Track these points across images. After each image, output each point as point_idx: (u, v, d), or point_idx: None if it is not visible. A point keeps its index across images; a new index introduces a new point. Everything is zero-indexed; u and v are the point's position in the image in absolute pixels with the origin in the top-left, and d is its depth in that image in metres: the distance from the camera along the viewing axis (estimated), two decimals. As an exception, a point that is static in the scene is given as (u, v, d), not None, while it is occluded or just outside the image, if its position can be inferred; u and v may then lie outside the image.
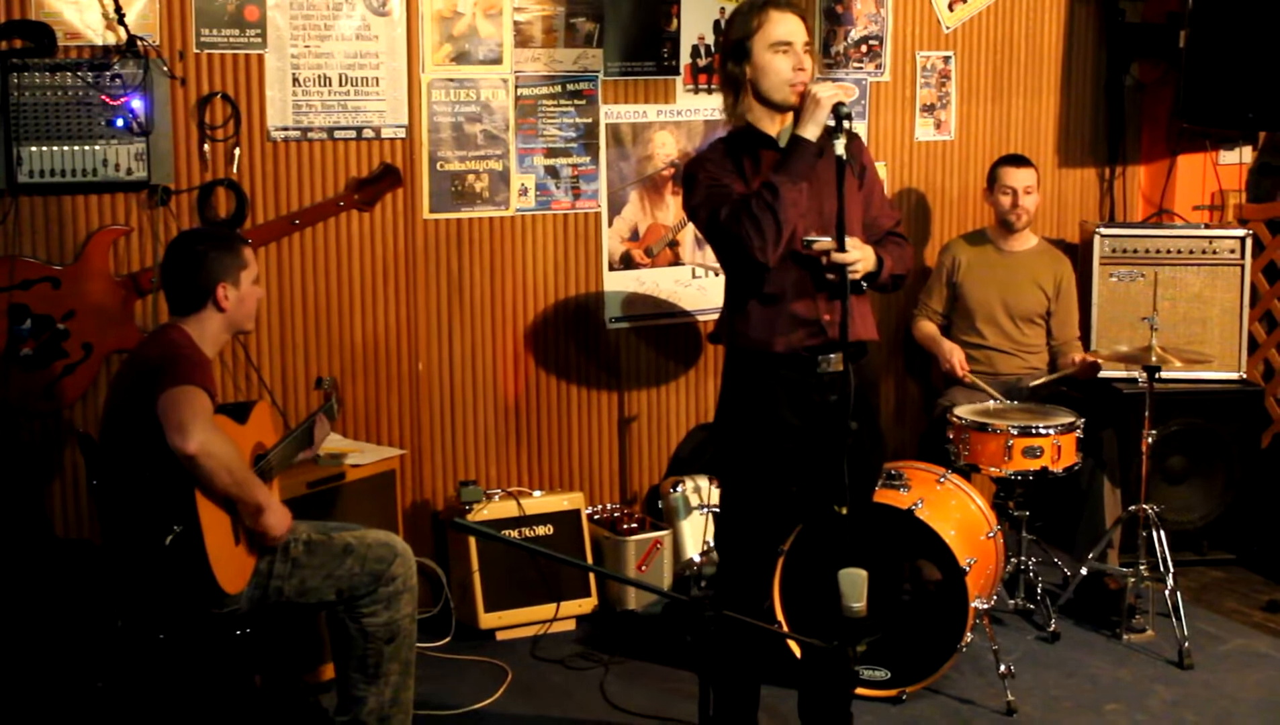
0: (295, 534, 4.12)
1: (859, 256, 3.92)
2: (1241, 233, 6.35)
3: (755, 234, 3.91)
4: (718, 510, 5.59)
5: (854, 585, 3.50)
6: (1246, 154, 7.10)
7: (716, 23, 5.98)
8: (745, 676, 4.37)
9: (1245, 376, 6.34)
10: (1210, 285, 6.33)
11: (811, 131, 3.91)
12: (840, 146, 3.75)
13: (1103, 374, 5.92)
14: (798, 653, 4.77)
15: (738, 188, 4.01)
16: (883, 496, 4.83)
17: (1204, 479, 6.23)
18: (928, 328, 6.11)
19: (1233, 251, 6.32)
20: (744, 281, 4.13)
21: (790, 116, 4.02)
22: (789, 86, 3.97)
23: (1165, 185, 7.01)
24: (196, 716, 4.22)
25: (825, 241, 3.91)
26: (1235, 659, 5.34)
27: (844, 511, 3.78)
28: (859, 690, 4.73)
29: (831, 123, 3.83)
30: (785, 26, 4.00)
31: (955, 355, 5.89)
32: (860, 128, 6.20)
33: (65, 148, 4.86)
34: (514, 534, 5.43)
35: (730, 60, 4.08)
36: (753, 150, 4.07)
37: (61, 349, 4.95)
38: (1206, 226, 6.61)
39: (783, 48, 3.98)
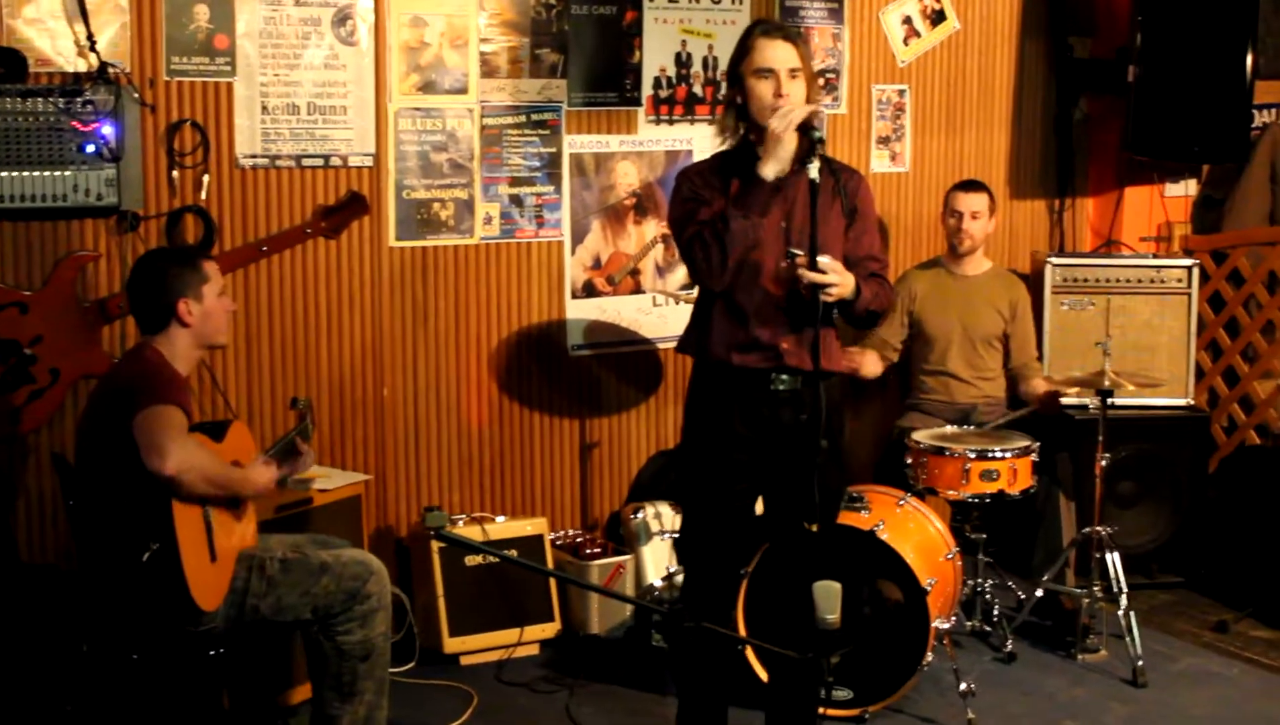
0: (270, 552, 4.15)
1: (836, 279, 3.98)
2: (1188, 263, 6.47)
3: (704, 261, 4.04)
4: (677, 536, 5.68)
5: (828, 598, 3.56)
6: (1191, 186, 7.24)
7: (678, 55, 6.07)
8: (714, 697, 4.41)
9: (1193, 403, 6.45)
10: (1159, 314, 6.43)
11: (770, 169, 4.00)
12: (814, 170, 3.82)
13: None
14: (764, 675, 4.82)
15: (716, 205, 4.09)
16: (844, 518, 4.87)
17: (1153, 503, 6.31)
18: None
19: (1180, 281, 6.44)
20: (712, 295, 4.21)
21: (784, 139, 4.08)
22: (770, 111, 4.06)
23: (1114, 216, 7.14)
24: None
25: (804, 258, 3.98)
26: (1187, 677, 5.43)
27: (814, 528, 3.85)
28: (821, 710, 4.78)
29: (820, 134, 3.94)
30: (768, 53, 4.08)
31: (868, 354, 5.95)
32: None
33: (36, 173, 4.85)
34: (479, 560, 5.46)
35: (728, 85, 4.22)
36: (742, 169, 4.14)
37: (29, 374, 4.94)
38: (1154, 257, 6.74)
39: (765, 74, 4.07)
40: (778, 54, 4.08)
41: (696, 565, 4.39)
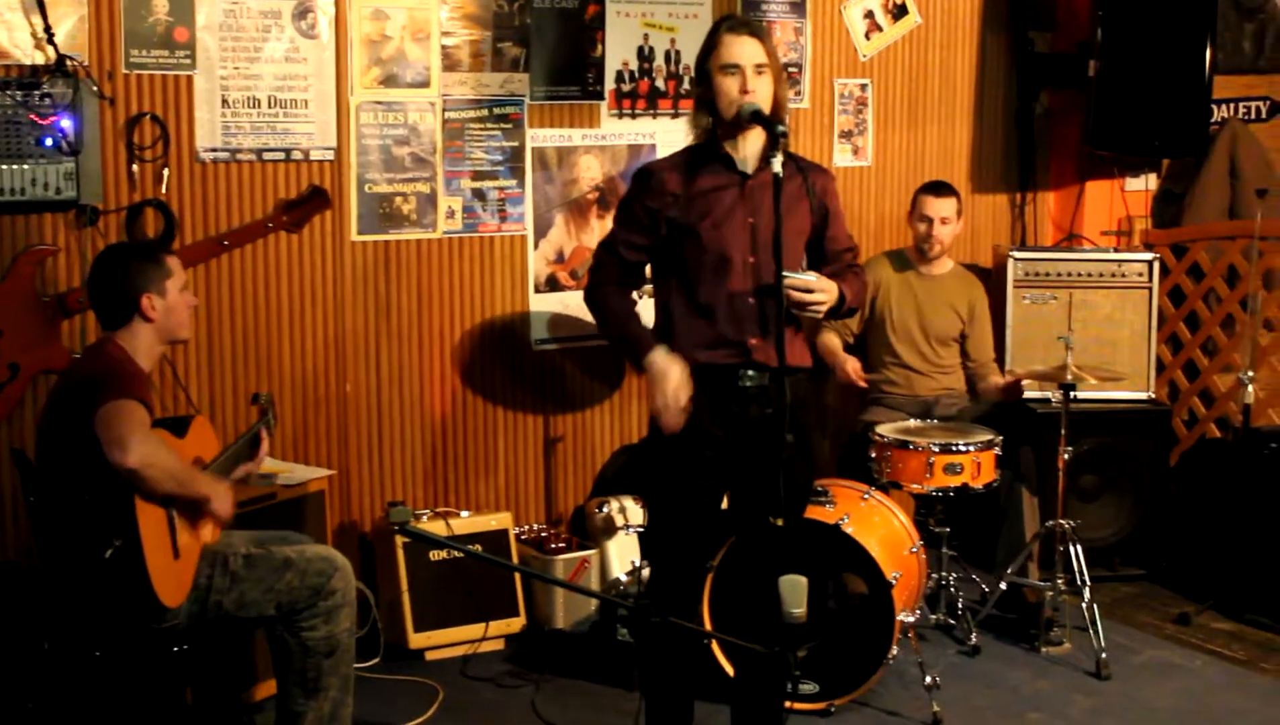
0: (234, 548, 4.13)
1: (824, 297, 4.07)
2: (1149, 257, 6.52)
3: (594, 313, 4.32)
4: (642, 530, 5.67)
5: (795, 591, 3.56)
6: (1152, 181, 7.28)
7: (640, 49, 6.06)
8: (680, 692, 4.41)
9: (1154, 396, 6.50)
10: (1120, 308, 6.49)
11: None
12: (777, 164, 3.82)
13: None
14: (730, 670, 4.82)
15: (627, 244, 4.24)
16: (809, 512, 4.87)
17: (1115, 496, 6.37)
18: (832, 341, 6.07)
19: (1140, 275, 6.49)
20: (674, 293, 4.21)
21: (750, 135, 4.11)
22: (734, 107, 4.06)
23: (1075, 211, 7.18)
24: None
25: (799, 280, 4.03)
26: (1150, 669, 5.47)
27: (779, 523, 3.85)
28: (787, 704, 4.78)
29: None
30: (734, 49, 4.08)
31: (849, 364, 5.91)
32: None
33: (-7, 167, 4.84)
34: (444, 555, 5.45)
35: (696, 81, 4.22)
36: (709, 160, 4.15)
37: (-12, 369, 4.92)
38: (1115, 251, 6.78)
39: (731, 70, 4.07)
40: (744, 50, 4.08)
41: (663, 561, 4.38)
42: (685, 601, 4.43)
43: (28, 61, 4.94)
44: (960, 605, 5.72)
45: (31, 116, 4.86)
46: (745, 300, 4.12)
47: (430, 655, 5.43)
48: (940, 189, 6.13)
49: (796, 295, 4.01)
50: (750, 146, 4.11)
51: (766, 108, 4.06)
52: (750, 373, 4.15)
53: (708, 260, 4.12)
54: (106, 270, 4.15)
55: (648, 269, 4.32)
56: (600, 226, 6.03)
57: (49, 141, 4.89)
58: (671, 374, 4.07)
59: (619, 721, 4.84)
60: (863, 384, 5.91)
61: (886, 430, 5.53)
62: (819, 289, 4.06)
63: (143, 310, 4.09)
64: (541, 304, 6.01)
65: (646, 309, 4.32)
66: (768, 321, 4.09)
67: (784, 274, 4.00)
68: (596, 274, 4.31)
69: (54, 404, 4.11)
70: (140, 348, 4.10)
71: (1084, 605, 5.48)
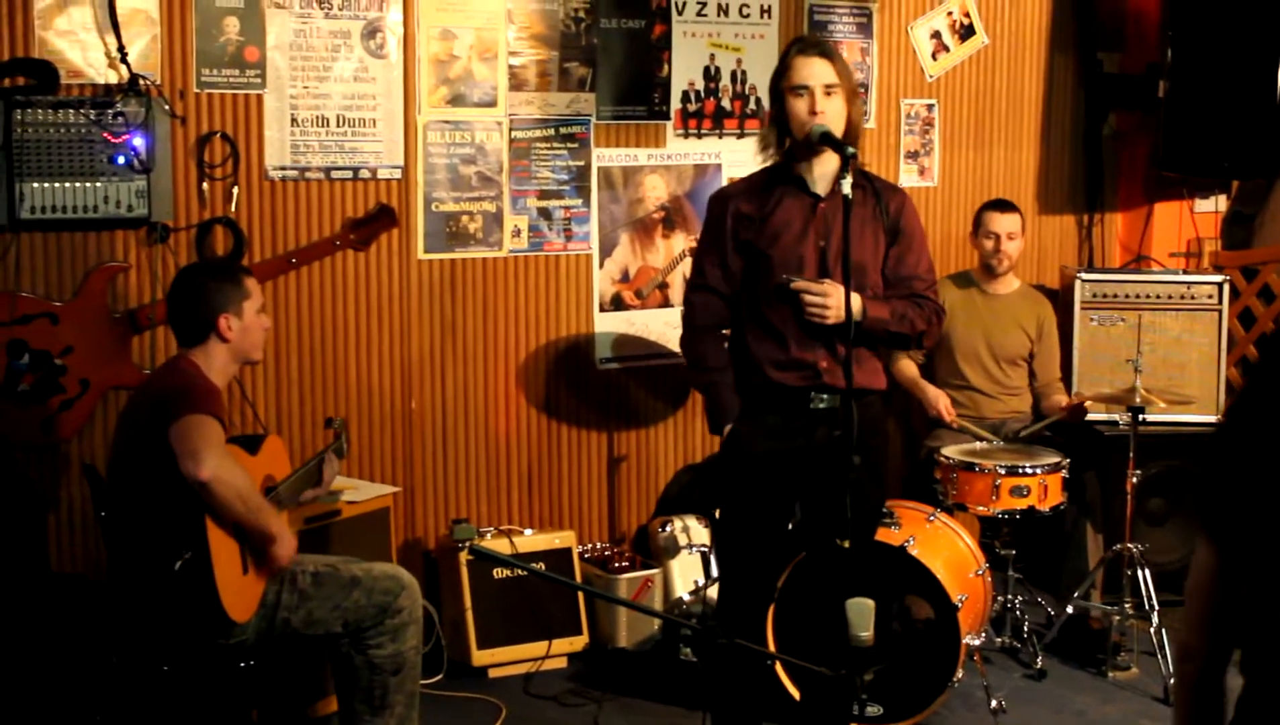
0: (302, 566, 4.14)
1: (830, 304, 4.04)
2: (1219, 279, 6.45)
3: (687, 358, 4.42)
4: (705, 550, 5.67)
5: (862, 615, 3.55)
6: (1221, 202, 7.22)
7: (706, 68, 6.07)
8: (746, 714, 4.40)
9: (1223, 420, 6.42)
10: (1189, 330, 6.41)
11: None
12: (846, 186, 3.81)
13: (1087, 417, 5.98)
14: (795, 693, 4.80)
15: (718, 272, 4.28)
16: (876, 535, 4.86)
17: (1183, 520, 6.27)
18: (909, 369, 6.11)
19: (1210, 297, 6.42)
20: (748, 312, 4.22)
21: (823, 157, 4.13)
22: (804, 128, 4.07)
23: (1143, 232, 7.12)
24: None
25: (805, 283, 4.08)
26: (1219, 696, 5.40)
27: (846, 545, 3.83)
28: (853, 725, 4.78)
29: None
30: (804, 71, 4.10)
31: (941, 401, 5.92)
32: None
33: (67, 184, 4.87)
34: (507, 573, 5.46)
35: (770, 101, 4.25)
36: (781, 181, 4.18)
37: (59, 384, 4.95)
38: (1184, 272, 6.72)
39: (800, 91, 4.08)
40: (814, 70, 4.09)
41: (731, 581, 4.38)
42: (752, 622, 4.43)
43: (101, 80, 5.00)
44: (1026, 629, 5.68)
45: (105, 135, 4.91)
46: (817, 323, 4.11)
47: (493, 673, 5.43)
48: (1004, 205, 6.14)
49: (807, 298, 4.06)
50: (822, 168, 4.12)
51: (838, 128, 4.06)
52: (822, 396, 4.14)
53: (776, 281, 4.12)
54: (186, 289, 4.18)
55: None
56: (665, 246, 6.03)
57: (121, 159, 4.94)
58: None
59: (682, 742, 4.83)
60: (956, 423, 5.88)
61: (952, 452, 5.50)
62: (823, 293, 4.04)
63: (219, 330, 4.12)
64: (606, 323, 6.02)
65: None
66: (837, 344, 4.08)
67: (788, 277, 4.03)
68: (695, 317, 4.34)
69: (129, 418, 4.14)
70: (214, 366, 4.13)
71: (1152, 630, 5.43)
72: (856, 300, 4.04)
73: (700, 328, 4.33)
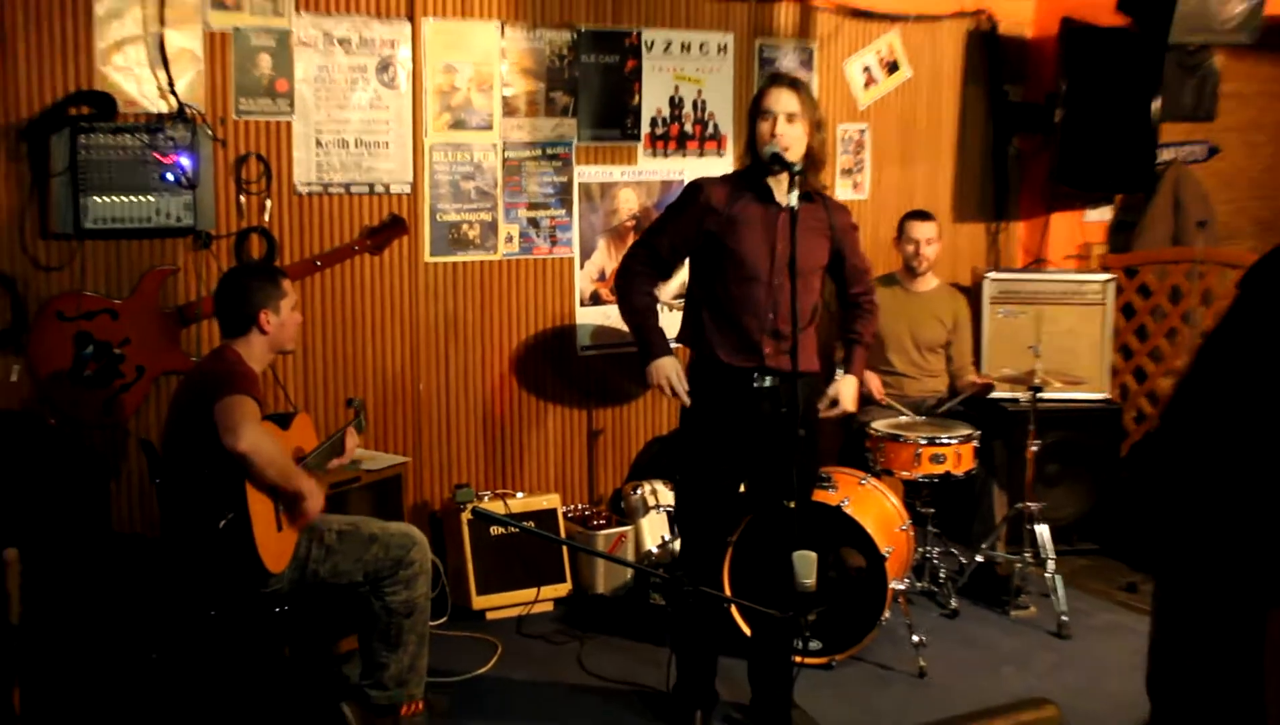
0: (328, 525, 4.15)
1: (852, 405, 4.41)
2: (1105, 277, 6.49)
3: (617, 295, 4.43)
4: (671, 510, 5.68)
5: (805, 564, 3.56)
6: (1107, 212, 7.26)
7: (672, 98, 6.07)
8: (706, 648, 4.43)
9: (1108, 397, 6.48)
10: (1080, 321, 6.46)
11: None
12: (793, 199, 3.83)
13: (992, 394, 6.02)
14: (747, 630, 4.83)
15: (667, 240, 4.31)
16: (815, 495, 4.88)
17: (1074, 482, 6.32)
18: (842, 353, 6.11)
19: (1098, 293, 6.47)
20: (705, 300, 4.23)
21: (781, 175, 4.14)
22: (764, 147, 4.09)
23: (1041, 238, 7.14)
24: (237, 682, 4.23)
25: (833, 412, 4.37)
26: (1104, 630, 5.45)
27: (793, 505, 3.86)
28: (796, 659, 4.79)
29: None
30: (770, 99, 4.13)
31: (872, 382, 5.95)
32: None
33: (124, 198, 4.85)
34: (502, 530, 5.47)
35: (747, 125, 4.28)
36: (748, 189, 4.21)
37: (119, 371, 4.95)
38: (1076, 272, 6.76)
39: (766, 115, 4.11)
40: (779, 99, 4.11)
41: (692, 537, 4.40)
42: (710, 571, 4.46)
43: (154, 109, 4.98)
44: (942, 575, 5.72)
45: (156, 156, 4.89)
46: (765, 314, 4.13)
47: (490, 615, 5.45)
48: (923, 215, 6.14)
49: (832, 412, 4.38)
50: (782, 182, 4.13)
51: (796, 152, 4.08)
52: (765, 377, 4.17)
53: (735, 275, 4.15)
54: (231, 287, 4.18)
55: (677, 279, 4.36)
56: (636, 250, 6.03)
57: (170, 177, 4.93)
58: (662, 369, 4.22)
59: (652, 673, 4.84)
60: (885, 401, 5.91)
61: (880, 426, 5.53)
62: (846, 400, 4.37)
63: (259, 324, 4.11)
64: (586, 316, 6.02)
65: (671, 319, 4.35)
66: (781, 333, 4.10)
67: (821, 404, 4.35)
68: (628, 261, 4.36)
69: (180, 398, 4.13)
70: (254, 355, 4.12)
71: (1047, 575, 5.48)
72: (853, 383, 4.38)
73: (631, 269, 4.34)
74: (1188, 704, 2.14)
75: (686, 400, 4.21)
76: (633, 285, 4.32)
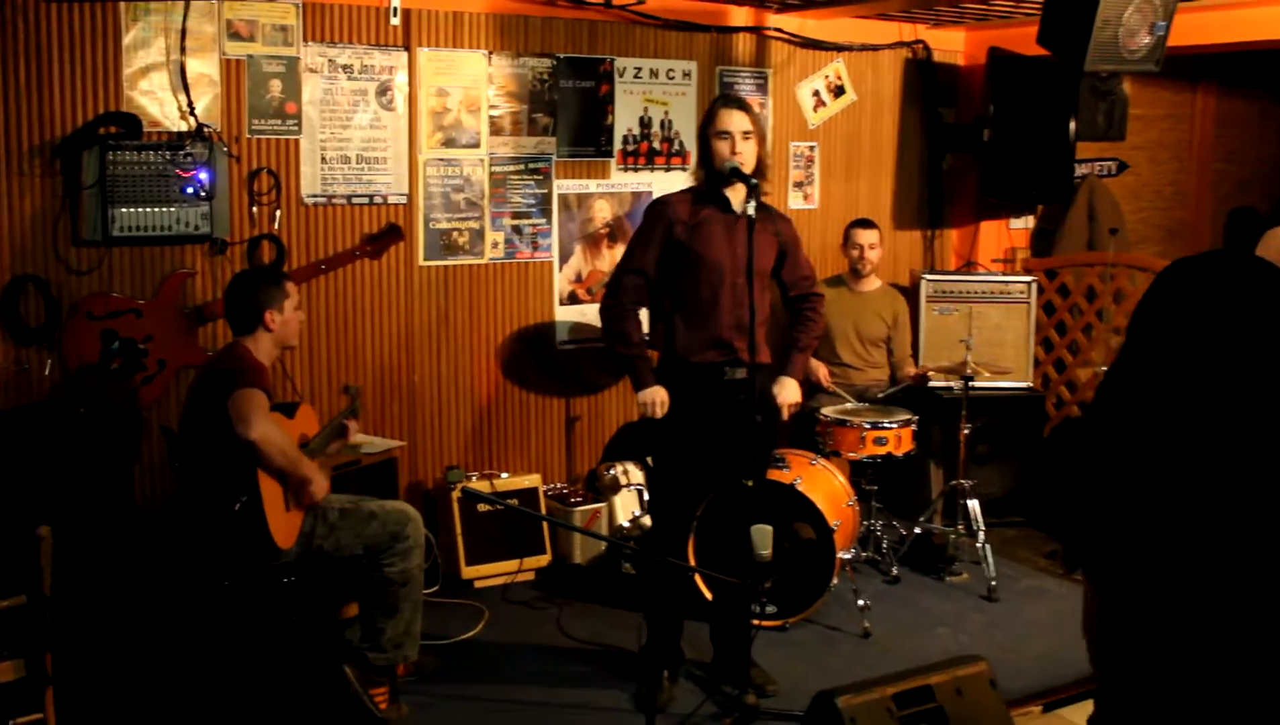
0: (331, 504, 4.11)
1: (797, 398, 4.37)
2: (1028, 279, 6.50)
3: (608, 328, 4.30)
4: (643, 488, 5.66)
5: (762, 537, 3.56)
6: (1030, 221, 7.28)
7: (641, 118, 6.04)
8: (673, 612, 4.41)
9: (1031, 385, 6.49)
10: (1006, 317, 6.46)
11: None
12: (751, 209, 3.81)
13: (929, 383, 6.01)
14: (710, 596, 4.81)
15: (650, 258, 4.23)
16: (770, 475, 4.88)
17: (1001, 462, 6.33)
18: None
19: (1022, 292, 6.48)
20: (673, 302, 4.20)
21: (738, 186, 4.10)
22: (724, 163, 4.06)
23: (972, 243, 7.17)
24: (249, 645, 4.19)
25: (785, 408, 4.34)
26: (1029, 594, 5.46)
27: (751, 484, 3.85)
28: (754, 622, 4.78)
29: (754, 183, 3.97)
30: (726, 120, 4.11)
31: (821, 371, 5.95)
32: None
33: (148, 209, 4.81)
34: (488, 506, 5.43)
35: (698, 143, 4.25)
36: (709, 201, 4.18)
37: (142, 364, 4.90)
38: (1002, 274, 6.77)
39: (723, 136, 4.08)
40: (734, 120, 4.10)
41: (663, 513, 4.38)
42: (676, 544, 4.44)
43: (175, 129, 4.93)
44: (885, 545, 5.71)
45: (177, 171, 4.85)
46: (733, 311, 4.11)
47: (478, 584, 5.41)
48: (866, 223, 6.13)
49: (789, 411, 4.34)
50: (738, 194, 4.11)
51: (749, 166, 4.06)
52: (735, 370, 4.15)
53: (704, 277, 4.12)
54: (239, 289, 4.13)
55: None
56: (610, 255, 6.01)
57: (189, 190, 4.88)
58: (656, 394, 4.18)
59: (624, 635, 4.82)
60: (831, 387, 5.90)
61: (829, 411, 5.52)
62: (791, 399, 4.33)
63: (265, 322, 4.07)
64: (564, 314, 5.99)
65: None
66: (743, 329, 4.08)
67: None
68: (619, 294, 4.25)
69: (196, 390, 4.09)
70: (262, 350, 4.08)
71: (978, 545, 5.48)
72: (795, 386, 4.33)
73: (625, 305, 4.25)
74: (1120, 658, 2.23)
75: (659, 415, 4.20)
76: (626, 323, 4.25)
